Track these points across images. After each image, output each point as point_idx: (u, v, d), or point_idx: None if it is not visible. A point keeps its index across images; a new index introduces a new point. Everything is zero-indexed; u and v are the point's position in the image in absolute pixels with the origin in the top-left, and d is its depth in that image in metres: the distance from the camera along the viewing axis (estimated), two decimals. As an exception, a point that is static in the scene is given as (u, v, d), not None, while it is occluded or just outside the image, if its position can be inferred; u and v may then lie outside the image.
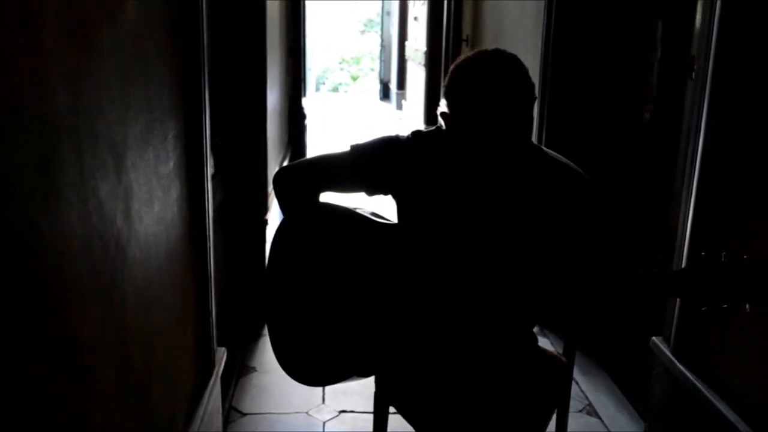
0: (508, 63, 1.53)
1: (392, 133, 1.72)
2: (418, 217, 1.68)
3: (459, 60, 1.58)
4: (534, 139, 3.20)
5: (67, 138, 1.09)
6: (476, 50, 1.58)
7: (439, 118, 1.60)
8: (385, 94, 13.09)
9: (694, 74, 2.76)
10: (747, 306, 1.43)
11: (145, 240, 1.48)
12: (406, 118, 9.99)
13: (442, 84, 1.59)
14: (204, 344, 2.13)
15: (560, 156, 1.70)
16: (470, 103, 1.52)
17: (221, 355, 2.30)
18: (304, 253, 1.75)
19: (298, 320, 1.75)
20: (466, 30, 5.84)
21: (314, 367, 1.74)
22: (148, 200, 1.50)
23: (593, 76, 3.27)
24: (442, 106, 1.59)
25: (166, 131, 1.67)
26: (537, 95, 3.38)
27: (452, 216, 1.64)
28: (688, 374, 2.22)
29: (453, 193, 1.63)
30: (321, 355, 1.73)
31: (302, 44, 6.39)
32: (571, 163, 1.68)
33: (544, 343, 3.20)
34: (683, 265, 2.24)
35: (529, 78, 1.54)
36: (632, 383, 2.96)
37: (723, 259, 1.44)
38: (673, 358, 2.31)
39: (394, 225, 1.75)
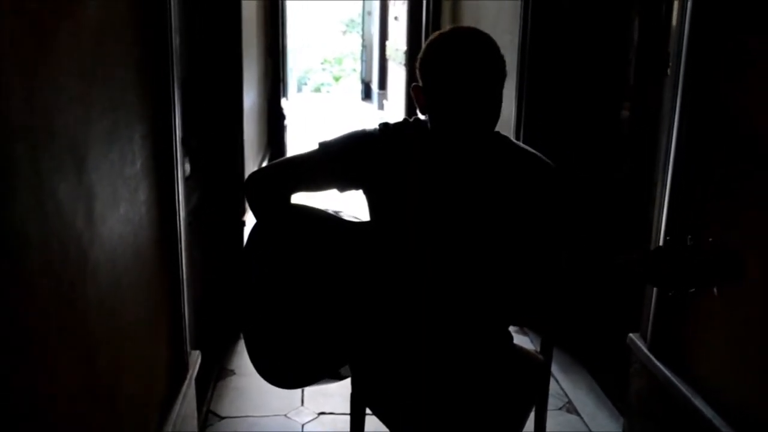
0: (482, 40, 1.54)
1: (359, 127, 1.72)
2: (389, 211, 1.67)
3: (434, 35, 1.58)
4: (512, 135, 3.23)
5: (23, 137, 1.06)
6: (452, 26, 1.60)
7: (412, 92, 1.60)
8: (366, 94, 13.07)
9: (669, 70, 2.79)
10: (715, 290, 1.41)
11: (110, 242, 1.45)
12: (388, 117, 9.92)
13: (417, 59, 1.58)
14: (177, 348, 2.10)
15: (528, 147, 1.70)
16: (444, 76, 1.52)
17: (195, 359, 2.27)
18: (278, 257, 1.73)
19: (272, 324, 1.73)
20: (446, 29, 5.82)
21: (289, 370, 1.72)
22: (112, 202, 1.47)
23: (571, 73, 3.28)
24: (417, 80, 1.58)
25: (132, 132, 1.64)
26: (515, 92, 3.39)
27: (423, 208, 1.63)
28: (665, 370, 2.22)
29: (423, 185, 1.62)
30: (296, 358, 1.71)
31: (282, 44, 6.35)
32: (539, 154, 1.68)
33: (522, 341, 3.21)
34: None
35: (501, 55, 1.55)
36: (611, 380, 2.96)
37: (688, 243, 1.43)
38: (650, 355, 2.31)
39: (366, 223, 1.73)
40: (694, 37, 2.07)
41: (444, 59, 1.52)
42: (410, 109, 7.42)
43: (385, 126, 1.69)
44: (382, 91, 11.37)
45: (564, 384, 3.11)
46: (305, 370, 1.71)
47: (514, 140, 1.71)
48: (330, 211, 1.76)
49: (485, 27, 1.59)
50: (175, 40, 1.99)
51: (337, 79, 16.44)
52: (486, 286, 1.66)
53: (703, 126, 2.08)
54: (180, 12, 2.18)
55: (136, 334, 1.70)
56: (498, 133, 1.65)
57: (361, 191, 1.73)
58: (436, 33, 1.58)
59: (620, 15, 3.07)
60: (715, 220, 1.99)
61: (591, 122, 3.25)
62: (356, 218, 1.76)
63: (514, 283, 1.67)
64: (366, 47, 13.16)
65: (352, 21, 16.12)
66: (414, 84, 1.59)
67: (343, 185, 1.71)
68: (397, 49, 9.09)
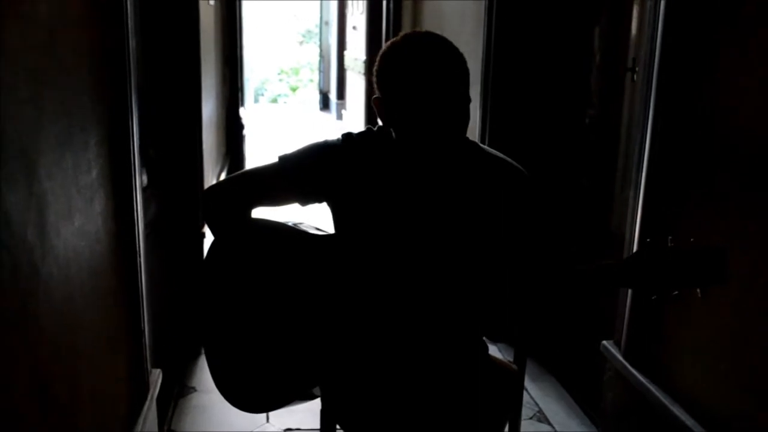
0: (436, 41, 1.47)
1: (321, 138, 1.65)
2: (356, 223, 1.61)
3: (386, 45, 1.51)
4: (476, 140, 3.20)
5: (-34, 143, 0.97)
6: (403, 33, 1.52)
7: (373, 104, 1.54)
8: (325, 105, 13.03)
9: (635, 77, 2.81)
10: (699, 291, 1.38)
11: (64, 256, 1.35)
12: (347, 128, 9.89)
13: (372, 72, 1.53)
14: (137, 366, 2.00)
15: (497, 152, 1.66)
16: (401, 85, 1.46)
17: (156, 377, 2.17)
18: (238, 275, 1.66)
19: (236, 347, 1.66)
20: (397, 37, 5.80)
21: (256, 393, 1.64)
22: (66, 213, 1.37)
23: (534, 81, 3.28)
24: (375, 92, 1.52)
25: (88, 138, 1.54)
26: (480, 100, 3.37)
27: (392, 219, 1.58)
28: (641, 378, 2.19)
29: (391, 195, 1.57)
30: (264, 381, 1.65)
31: (239, 53, 6.26)
32: (509, 159, 1.64)
33: (492, 351, 3.17)
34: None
35: (459, 54, 1.48)
36: (582, 388, 2.94)
37: (669, 244, 1.40)
38: (625, 362, 2.28)
39: (331, 236, 1.67)
40: (666, 39, 2.06)
41: (399, 68, 1.46)
42: (371, 119, 7.38)
43: (348, 136, 1.62)
44: (340, 101, 11.34)
45: (533, 392, 3.08)
46: (275, 393, 1.64)
47: (483, 145, 1.67)
48: (290, 224, 1.69)
49: (447, 33, 1.54)
50: (132, 43, 1.89)
51: (294, 89, 16.38)
52: (459, 297, 1.62)
53: (678, 126, 2.06)
54: (137, 14, 2.08)
55: (93, 353, 1.60)
56: (467, 138, 1.60)
57: (324, 204, 1.67)
58: (389, 42, 1.52)
59: (583, 21, 3.08)
60: (691, 224, 1.97)
61: (556, 129, 3.25)
62: (319, 230, 1.70)
63: (488, 293, 1.64)
64: (324, 57, 13.12)
65: (309, 32, 16.10)
66: (374, 96, 1.53)
67: (306, 199, 1.64)
68: (356, 59, 9.06)
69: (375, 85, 1.52)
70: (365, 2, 7.80)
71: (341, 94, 11.31)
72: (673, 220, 2.06)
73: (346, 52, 10.56)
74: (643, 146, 2.18)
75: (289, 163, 1.60)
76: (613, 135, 2.77)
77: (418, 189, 1.59)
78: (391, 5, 5.98)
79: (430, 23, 4.93)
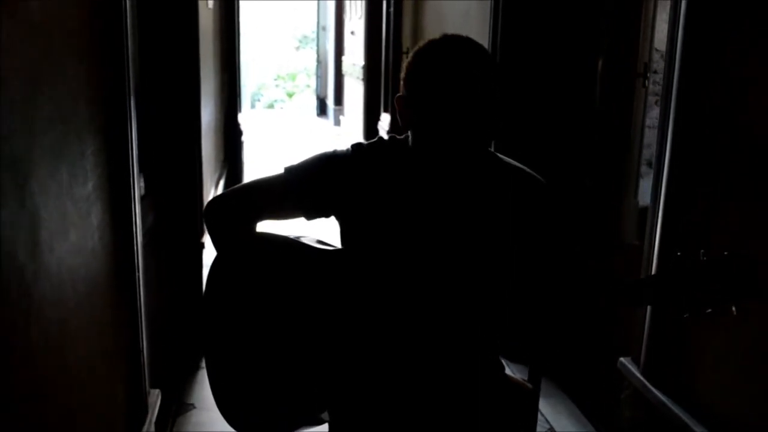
0: (475, 47, 1.43)
1: (329, 149, 1.58)
2: (365, 237, 1.54)
3: (422, 44, 1.45)
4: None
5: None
6: (441, 34, 1.46)
7: (395, 104, 1.46)
8: (322, 110, 12.97)
9: (646, 82, 2.74)
10: (733, 308, 1.30)
11: (57, 276, 1.26)
12: (345, 133, 9.92)
13: (402, 69, 1.46)
14: (135, 388, 1.90)
15: (516, 162, 1.59)
16: (435, 86, 1.39)
17: (155, 399, 2.07)
18: (243, 292, 1.58)
19: (239, 366, 1.59)
20: (406, 43, 5.74)
21: (261, 417, 1.58)
22: (61, 228, 1.28)
23: (540, 82, 3.23)
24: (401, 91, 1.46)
25: (84, 146, 1.45)
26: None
27: (404, 234, 1.50)
28: (662, 397, 2.11)
29: (404, 208, 1.50)
30: (268, 404, 1.58)
31: (237, 58, 6.18)
32: (529, 170, 1.58)
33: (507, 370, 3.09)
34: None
35: (498, 70, 1.41)
36: (594, 404, 2.87)
37: (702, 258, 1.31)
38: (645, 380, 2.20)
39: (339, 251, 1.60)
40: (688, 38, 1.98)
41: (433, 66, 1.40)
42: (369, 125, 7.32)
43: (358, 146, 1.55)
44: (338, 107, 11.29)
45: (544, 409, 3.00)
46: (281, 417, 1.58)
47: (502, 156, 1.60)
48: (301, 239, 1.61)
49: None
50: (131, 46, 1.80)
51: (290, 95, 16.32)
52: (477, 315, 1.55)
53: (700, 131, 1.98)
54: (135, 17, 2.00)
55: (89, 375, 1.51)
56: (489, 150, 1.54)
57: (331, 218, 1.59)
58: (427, 40, 1.46)
59: (591, 24, 3.03)
60: (719, 236, 1.88)
61: (560, 129, 3.21)
62: (322, 243, 1.62)
63: (506, 310, 1.58)
64: (321, 63, 13.06)
65: (306, 37, 16.05)
66: (398, 95, 1.46)
67: (312, 213, 1.56)
68: (354, 64, 8.98)
69: (402, 82, 1.45)
70: (364, 7, 7.73)
71: (339, 100, 11.26)
72: (696, 230, 1.98)
73: (343, 58, 10.51)
74: (663, 152, 2.09)
75: (295, 175, 1.53)
76: (621, 138, 2.72)
77: (433, 202, 1.51)
78: (392, 9, 5.90)
79: (432, 25, 4.85)
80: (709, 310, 1.31)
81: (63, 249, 1.29)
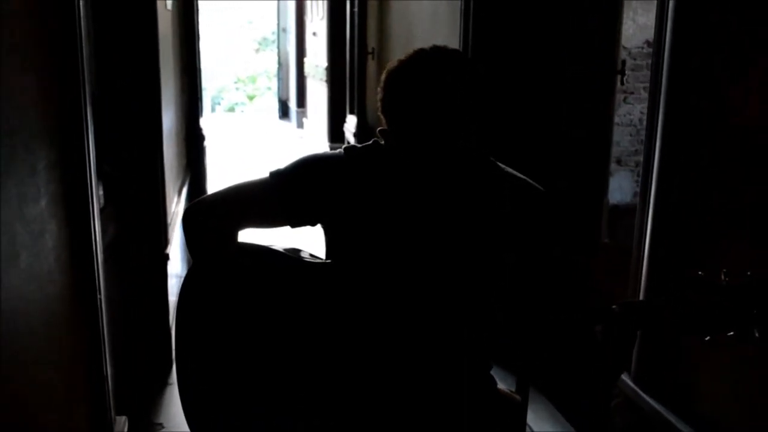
0: (452, 53, 1.44)
1: (318, 151, 1.56)
2: (359, 245, 1.47)
3: (392, 66, 1.45)
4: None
5: None
6: (411, 52, 1.45)
7: (379, 138, 1.48)
8: (284, 113, 12.85)
9: (625, 79, 2.70)
10: (756, 332, 1.25)
11: (7, 304, 1.12)
12: (308, 135, 9.84)
13: (377, 90, 1.47)
14: (99, 416, 1.77)
15: (515, 171, 1.55)
16: (400, 90, 1.43)
17: (122, 426, 1.94)
18: (222, 304, 1.49)
19: (215, 384, 1.49)
20: (371, 43, 5.65)
21: None
22: (9, 254, 1.14)
23: (513, 82, 3.17)
24: (382, 124, 1.49)
25: (35, 161, 1.31)
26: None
27: (400, 243, 1.44)
28: (656, 405, 2.05)
29: (391, 215, 1.45)
30: (243, 421, 1.49)
31: (197, 60, 6.04)
32: (527, 179, 1.54)
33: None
34: (641, 291, 2.07)
35: (475, 72, 1.44)
36: (574, 408, 2.85)
37: (723, 278, 1.27)
38: (636, 388, 2.14)
39: (327, 264, 1.52)
40: (677, 32, 1.92)
41: (403, 70, 1.43)
42: (334, 127, 7.24)
43: (351, 149, 1.48)
44: (300, 109, 11.21)
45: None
46: None
47: (502, 165, 1.56)
48: (274, 247, 1.53)
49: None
50: (86, 51, 1.67)
51: (251, 98, 16.20)
52: (470, 326, 1.50)
53: (692, 131, 1.92)
54: (89, 20, 1.87)
55: (47, 410, 1.37)
56: (488, 158, 1.52)
57: (317, 227, 1.53)
58: (394, 63, 1.46)
59: (563, 23, 3.00)
60: (714, 246, 1.82)
61: (534, 130, 3.16)
62: (313, 256, 1.54)
63: (498, 321, 1.55)
64: (282, 65, 12.93)
65: (265, 39, 15.91)
66: (380, 129, 1.48)
67: (298, 220, 1.49)
68: (317, 66, 8.87)
69: (381, 115, 1.48)
70: (326, 7, 7.63)
71: (301, 102, 11.18)
72: (689, 237, 1.92)
73: (305, 59, 10.42)
74: (651, 152, 2.03)
75: (282, 180, 1.46)
76: (595, 138, 2.70)
77: (425, 210, 1.47)
78: (356, 9, 5.80)
79: (398, 26, 4.76)
80: (731, 333, 1.26)
81: (13, 276, 1.15)
